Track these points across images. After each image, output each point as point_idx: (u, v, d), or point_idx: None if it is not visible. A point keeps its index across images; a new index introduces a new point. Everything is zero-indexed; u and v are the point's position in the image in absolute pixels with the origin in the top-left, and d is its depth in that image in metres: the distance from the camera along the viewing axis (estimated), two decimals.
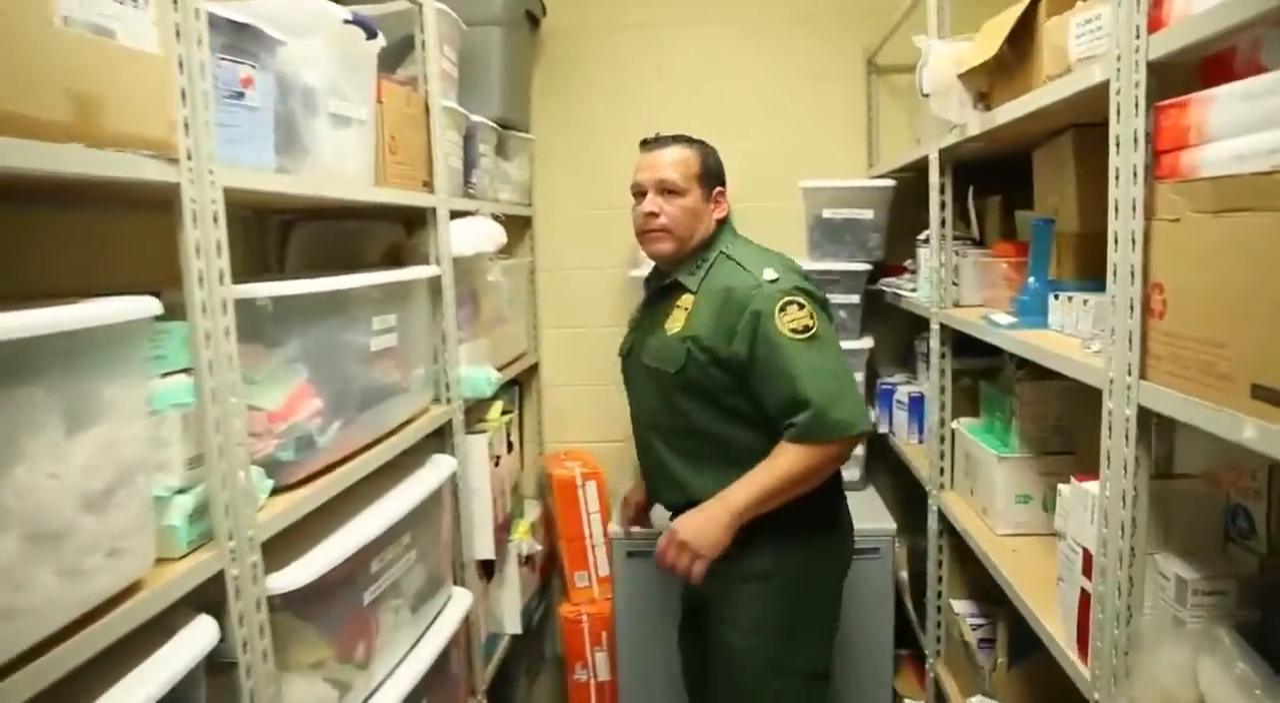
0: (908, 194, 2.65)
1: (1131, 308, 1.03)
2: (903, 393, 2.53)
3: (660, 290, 1.90)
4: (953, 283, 2.02)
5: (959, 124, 1.73)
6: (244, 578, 1.21)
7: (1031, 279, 1.60)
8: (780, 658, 1.79)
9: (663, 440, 1.87)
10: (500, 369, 2.65)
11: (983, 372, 2.06)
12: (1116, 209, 1.06)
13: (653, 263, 2.06)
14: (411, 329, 1.93)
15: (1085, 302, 1.40)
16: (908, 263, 2.49)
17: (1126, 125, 1.02)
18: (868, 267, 2.58)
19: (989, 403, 1.97)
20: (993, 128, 1.58)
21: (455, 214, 2.20)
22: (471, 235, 2.20)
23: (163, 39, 1.04)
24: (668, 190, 1.84)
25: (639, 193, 1.88)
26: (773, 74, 2.96)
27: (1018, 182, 2.31)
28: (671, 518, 1.83)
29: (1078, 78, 1.18)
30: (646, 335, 1.89)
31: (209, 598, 1.18)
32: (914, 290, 2.35)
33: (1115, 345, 1.07)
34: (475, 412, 2.45)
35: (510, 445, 2.64)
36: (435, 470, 1.98)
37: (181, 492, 1.15)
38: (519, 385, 3.11)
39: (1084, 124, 1.60)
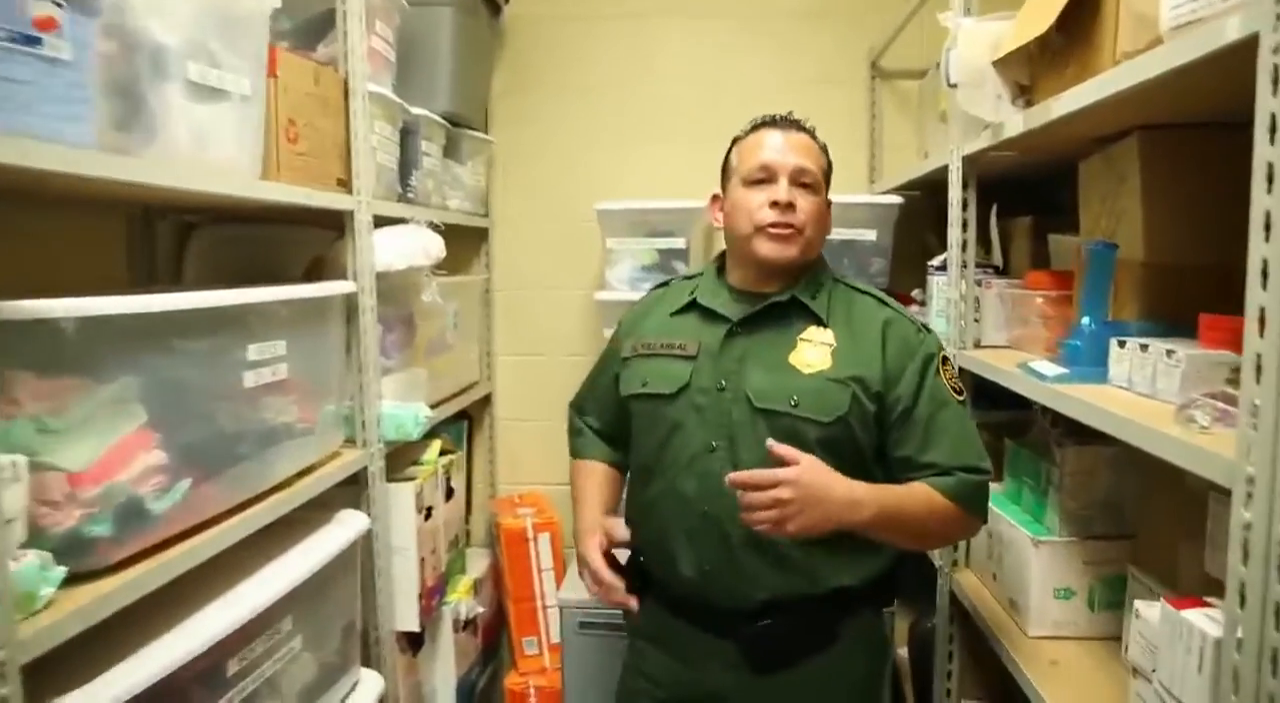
0: (912, 214, 2.32)
1: None
2: None
3: (759, 313, 1.42)
4: (973, 318, 1.68)
5: (993, 123, 1.40)
6: None
7: (1085, 319, 1.26)
8: None
9: None
10: (442, 403, 2.30)
11: (1006, 426, 1.72)
12: (1267, 226, 0.71)
13: (660, 277, 1.69)
14: (315, 358, 1.58)
15: (1170, 353, 1.05)
16: (915, 293, 2.15)
17: None
18: None
19: (1016, 466, 1.63)
20: (1042, 126, 1.24)
21: (383, 221, 1.85)
22: (401, 247, 1.85)
23: None
24: (803, 184, 1.41)
25: (763, 179, 1.40)
26: (767, 75, 2.63)
27: (1046, 201, 2.00)
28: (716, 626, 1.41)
29: (1198, 40, 0.83)
30: (743, 368, 1.39)
31: None
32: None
33: (1259, 428, 0.72)
34: (406, 453, 2.09)
35: (450, 491, 2.28)
36: (337, 532, 1.61)
37: None
38: (468, 419, 2.75)
39: (1153, 125, 1.27)
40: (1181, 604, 0.89)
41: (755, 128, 1.47)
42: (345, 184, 1.69)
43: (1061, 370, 1.25)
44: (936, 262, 1.90)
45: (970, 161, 1.63)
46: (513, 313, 2.79)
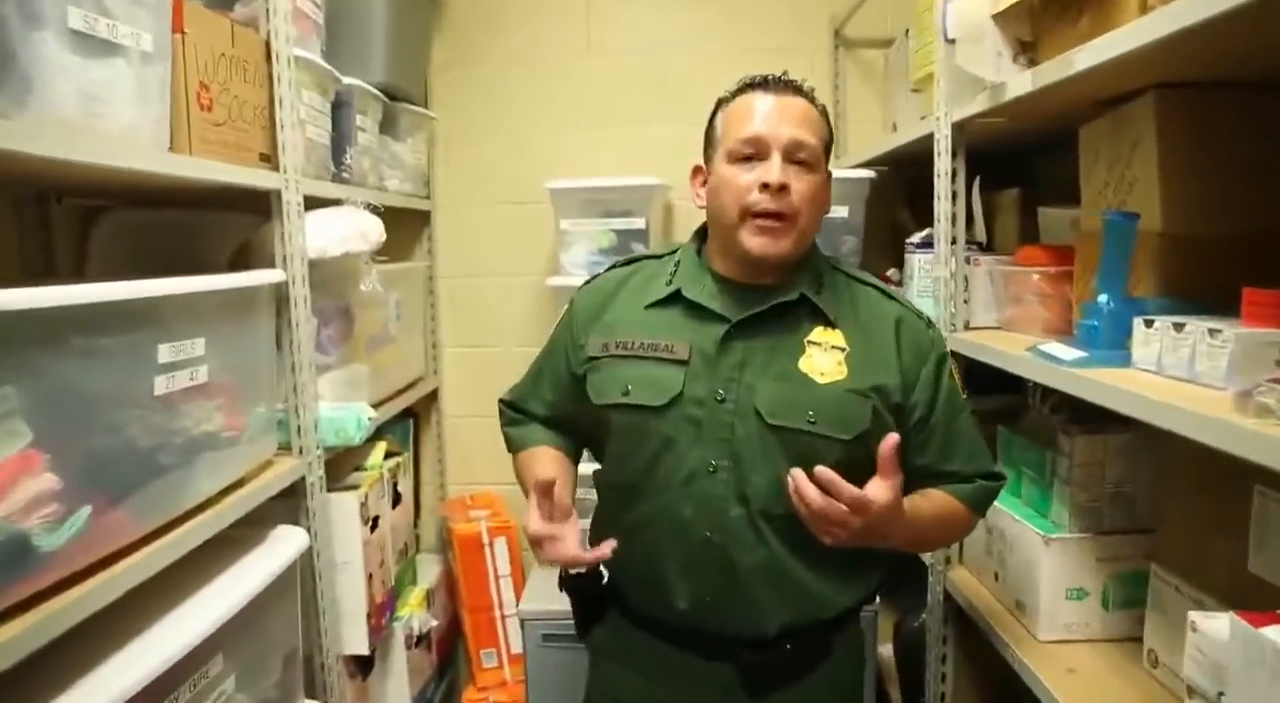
0: (881, 191, 2.21)
1: None
2: None
3: (763, 314, 1.21)
4: (964, 299, 1.57)
5: (994, 83, 1.27)
6: None
7: (1103, 297, 1.15)
8: None
9: (781, 535, 1.18)
10: (386, 401, 2.12)
11: (998, 413, 1.61)
12: None
13: (608, 265, 1.42)
14: (242, 357, 1.41)
15: (1214, 333, 0.94)
16: (890, 272, 2.04)
17: None
18: None
19: (1012, 455, 1.52)
20: (1053, 85, 1.12)
21: (314, 202, 1.66)
22: (336, 231, 1.67)
23: None
24: (799, 161, 1.18)
25: (751, 154, 1.18)
26: (726, 44, 2.48)
27: (1026, 173, 1.90)
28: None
29: None
30: (745, 376, 1.19)
31: None
32: None
33: None
34: (348, 459, 1.92)
35: (398, 497, 2.10)
36: (273, 553, 1.44)
37: None
38: (414, 417, 2.57)
39: (1171, 83, 1.16)
40: (1258, 621, 0.78)
41: (743, 90, 1.26)
42: (270, 160, 1.50)
43: (1079, 354, 1.13)
44: (916, 238, 1.79)
45: (959, 129, 1.51)
46: (459, 302, 2.61)
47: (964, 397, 1.26)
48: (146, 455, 1.14)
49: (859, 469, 1.09)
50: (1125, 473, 1.31)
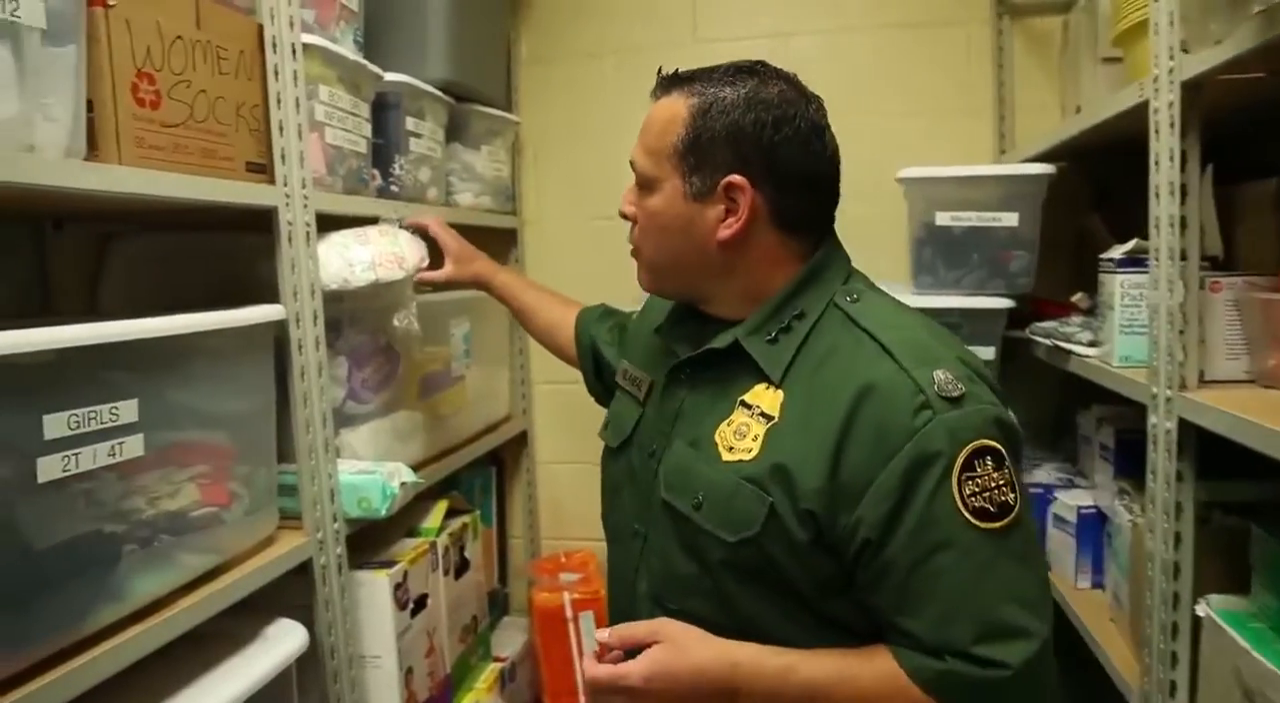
0: (1060, 191, 1.72)
1: None
2: (1068, 504, 1.56)
3: (702, 358, 0.98)
4: (1198, 339, 1.08)
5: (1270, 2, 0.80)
6: None
7: None
8: None
9: None
10: (453, 450, 1.84)
11: (1255, 507, 1.11)
12: None
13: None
14: (229, 415, 1.16)
15: None
16: (1077, 297, 1.55)
17: None
18: (1008, 303, 1.63)
19: (1275, 570, 1.02)
20: None
21: (332, 222, 1.38)
22: (361, 256, 1.37)
23: None
24: (639, 182, 1.03)
25: None
26: (857, 22, 2.05)
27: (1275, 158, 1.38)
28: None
29: None
30: (664, 429, 1.00)
31: None
32: (1093, 343, 1.41)
33: None
34: (400, 522, 1.64)
35: (464, 564, 1.79)
36: (258, 657, 1.15)
37: None
38: (499, 462, 2.27)
39: None
40: None
41: None
42: (261, 169, 1.21)
43: None
44: (1118, 253, 1.31)
45: (1194, 91, 1.03)
46: None
47: (986, 524, 0.80)
48: (60, 553, 0.86)
49: (762, 579, 0.88)
50: None
